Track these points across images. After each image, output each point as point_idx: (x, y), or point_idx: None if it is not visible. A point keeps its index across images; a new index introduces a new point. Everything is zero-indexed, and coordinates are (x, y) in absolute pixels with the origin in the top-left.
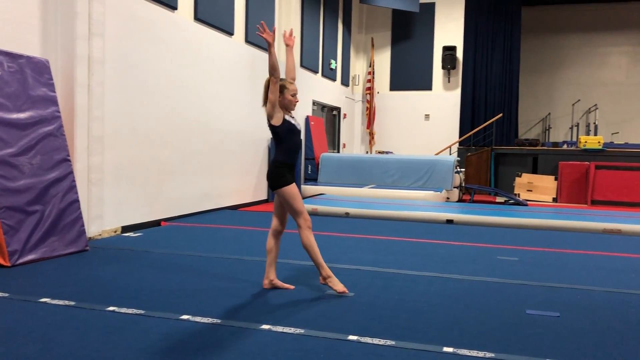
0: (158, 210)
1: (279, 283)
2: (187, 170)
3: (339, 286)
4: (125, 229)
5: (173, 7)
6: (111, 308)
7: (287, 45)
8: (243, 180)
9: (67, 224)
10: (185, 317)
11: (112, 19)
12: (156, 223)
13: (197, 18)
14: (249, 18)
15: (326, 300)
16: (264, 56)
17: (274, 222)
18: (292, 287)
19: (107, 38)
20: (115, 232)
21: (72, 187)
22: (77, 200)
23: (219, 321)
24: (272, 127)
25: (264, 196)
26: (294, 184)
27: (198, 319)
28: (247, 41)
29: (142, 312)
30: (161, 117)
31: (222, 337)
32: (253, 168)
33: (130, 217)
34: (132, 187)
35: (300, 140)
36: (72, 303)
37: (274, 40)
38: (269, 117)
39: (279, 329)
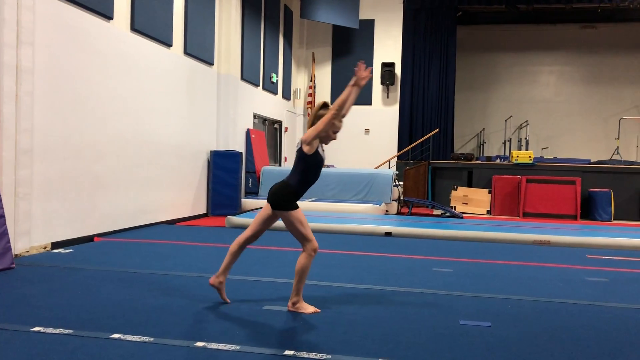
0: (91, 225)
1: (223, 289)
2: (122, 184)
3: (309, 309)
4: (56, 245)
5: (109, 17)
6: (37, 328)
7: (360, 82)
8: (181, 194)
9: None
10: (116, 335)
11: (43, 28)
12: (89, 239)
13: (134, 29)
14: (188, 30)
15: (262, 316)
16: (202, 68)
17: (249, 233)
18: (228, 301)
19: (38, 47)
20: (44, 248)
21: None
22: (2, 216)
23: (151, 339)
24: (302, 154)
25: (202, 210)
26: (300, 209)
27: (130, 337)
28: (186, 53)
29: (70, 331)
30: (95, 129)
31: (155, 356)
32: (192, 182)
33: (61, 232)
34: (63, 201)
35: (320, 174)
36: None
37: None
38: (304, 142)
39: (214, 345)
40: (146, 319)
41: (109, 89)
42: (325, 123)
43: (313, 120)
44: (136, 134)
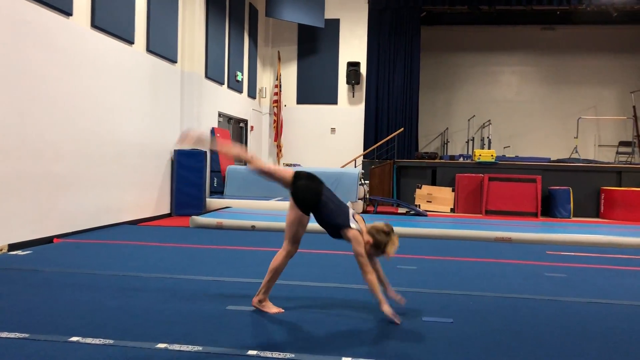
0: (50, 226)
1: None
2: (82, 184)
3: (273, 309)
4: (13, 246)
5: (68, 13)
6: None
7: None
8: (144, 193)
9: None
10: (74, 339)
11: None
12: (48, 240)
13: (95, 25)
14: (151, 27)
15: (225, 317)
16: (165, 66)
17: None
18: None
19: None
20: (0, 250)
21: None
22: None
23: (111, 341)
24: (342, 228)
25: (166, 210)
26: (308, 217)
27: (89, 340)
28: (149, 50)
29: (26, 335)
30: (54, 128)
31: (114, 359)
32: (155, 181)
33: (19, 234)
34: (21, 202)
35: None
36: None
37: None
38: (350, 240)
39: (176, 347)
40: (106, 321)
41: (68, 86)
42: (363, 256)
43: (374, 246)
44: (97, 133)
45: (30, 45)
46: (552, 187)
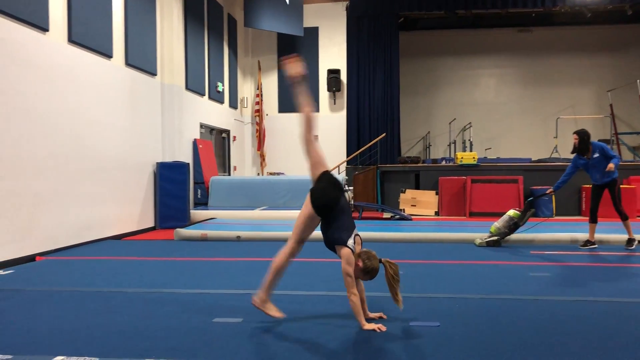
0: (32, 244)
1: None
2: (63, 200)
3: (273, 311)
4: None
5: (44, 28)
6: None
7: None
8: (127, 208)
9: None
10: (59, 358)
11: None
12: (30, 258)
13: (72, 40)
14: (129, 40)
15: (212, 329)
16: (144, 78)
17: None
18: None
19: None
20: None
21: None
22: None
23: (96, 359)
24: (337, 245)
25: (150, 224)
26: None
27: (74, 358)
28: (127, 64)
29: (9, 357)
30: (33, 144)
31: None
32: (137, 195)
33: (0, 253)
34: (1, 220)
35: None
36: None
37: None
38: (343, 265)
39: None
40: (91, 338)
41: (46, 102)
42: (353, 279)
43: (363, 271)
44: (77, 148)
45: (6, 62)
46: (534, 187)
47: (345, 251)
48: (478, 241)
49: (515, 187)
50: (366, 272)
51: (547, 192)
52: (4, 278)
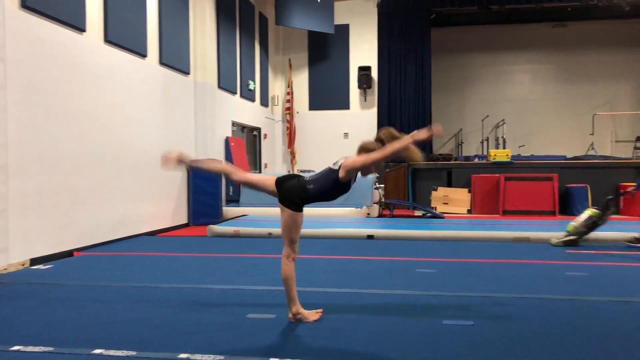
0: (70, 240)
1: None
2: (100, 197)
3: (311, 317)
4: (34, 261)
5: (81, 29)
6: (16, 347)
7: (421, 136)
8: (161, 204)
9: None
10: (98, 351)
11: (14, 43)
12: (68, 253)
13: (108, 40)
14: (163, 39)
15: (245, 325)
16: (177, 77)
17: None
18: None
19: (9, 62)
20: (23, 265)
21: None
22: None
23: (134, 353)
24: (335, 176)
25: (183, 220)
26: (302, 214)
27: (112, 352)
28: (161, 63)
29: (50, 349)
30: (71, 142)
31: None
32: (171, 192)
33: (40, 248)
34: (40, 216)
35: (338, 197)
36: None
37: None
38: (345, 168)
39: (198, 357)
40: (128, 332)
41: (83, 101)
42: (373, 161)
43: (363, 149)
44: (113, 146)
45: (46, 62)
46: (570, 185)
47: (342, 167)
48: (554, 240)
49: (550, 185)
50: (395, 136)
51: (629, 189)
52: (44, 273)
